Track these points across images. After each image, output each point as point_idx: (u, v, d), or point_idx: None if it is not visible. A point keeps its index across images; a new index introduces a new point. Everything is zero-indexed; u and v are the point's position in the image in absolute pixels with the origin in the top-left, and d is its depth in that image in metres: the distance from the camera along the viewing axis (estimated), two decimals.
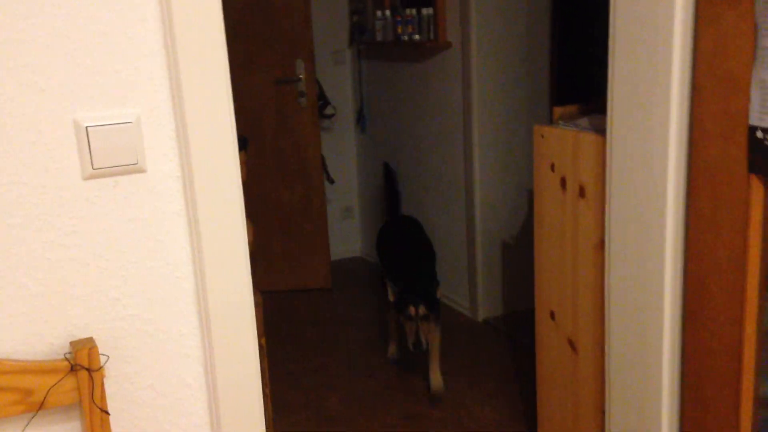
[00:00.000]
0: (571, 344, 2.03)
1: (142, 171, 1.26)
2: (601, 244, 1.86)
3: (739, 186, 1.45)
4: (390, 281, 2.87)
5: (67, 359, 1.18)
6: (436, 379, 2.91)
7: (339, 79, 4.52)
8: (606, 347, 1.87)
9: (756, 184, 1.43)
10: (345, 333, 3.66)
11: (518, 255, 3.56)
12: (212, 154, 1.28)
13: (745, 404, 1.52)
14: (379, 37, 3.95)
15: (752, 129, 1.39)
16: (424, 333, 2.71)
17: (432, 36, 3.55)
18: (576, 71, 3.19)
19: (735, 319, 1.50)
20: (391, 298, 2.86)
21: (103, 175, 1.23)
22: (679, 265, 1.63)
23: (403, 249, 3.27)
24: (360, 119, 4.57)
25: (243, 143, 1.65)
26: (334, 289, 4.26)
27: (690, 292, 1.61)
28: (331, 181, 4.32)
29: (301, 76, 3.92)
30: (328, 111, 4.36)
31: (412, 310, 2.72)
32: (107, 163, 1.22)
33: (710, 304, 1.56)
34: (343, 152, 4.68)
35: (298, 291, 4.23)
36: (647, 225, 1.67)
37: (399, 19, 3.74)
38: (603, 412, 1.91)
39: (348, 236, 4.85)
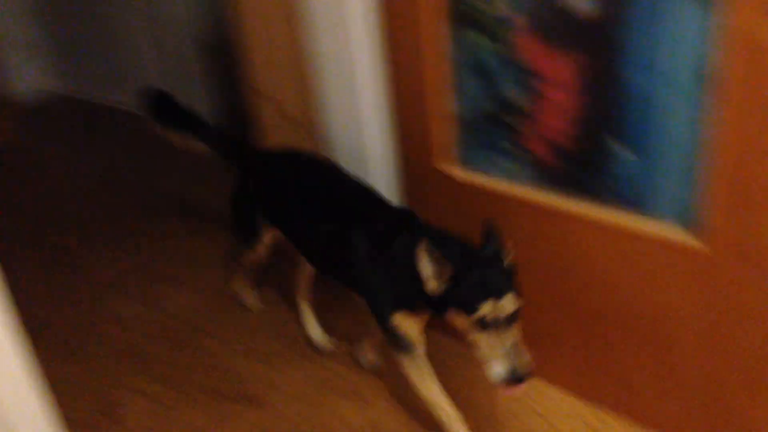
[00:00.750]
0: (287, 116, 2.12)
1: None
2: (299, 17, 1.89)
3: None
4: (429, 253, 1.34)
5: None
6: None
7: None
8: (318, 114, 1.98)
9: None
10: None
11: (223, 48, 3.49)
12: None
13: (435, 123, 1.74)
14: None
15: None
16: (518, 346, 1.32)
17: None
18: None
19: (414, 50, 1.67)
20: (433, 287, 1.37)
21: None
22: (373, 18, 1.74)
23: (358, 204, 1.68)
24: None
25: None
26: (26, 140, 3.84)
27: (385, 37, 1.74)
28: None
29: None
30: None
31: (489, 308, 1.31)
32: None
33: (399, 41, 1.71)
34: None
35: None
36: None
37: None
38: None
39: (36, 72, 4.38)
